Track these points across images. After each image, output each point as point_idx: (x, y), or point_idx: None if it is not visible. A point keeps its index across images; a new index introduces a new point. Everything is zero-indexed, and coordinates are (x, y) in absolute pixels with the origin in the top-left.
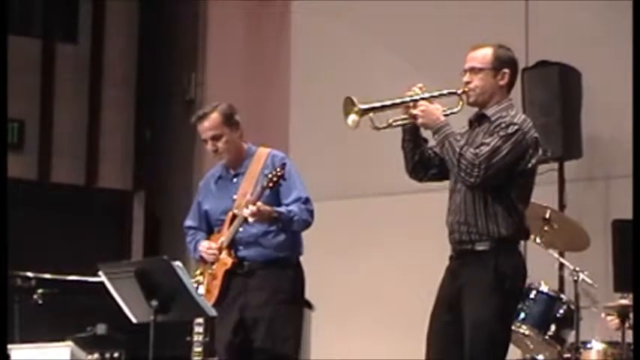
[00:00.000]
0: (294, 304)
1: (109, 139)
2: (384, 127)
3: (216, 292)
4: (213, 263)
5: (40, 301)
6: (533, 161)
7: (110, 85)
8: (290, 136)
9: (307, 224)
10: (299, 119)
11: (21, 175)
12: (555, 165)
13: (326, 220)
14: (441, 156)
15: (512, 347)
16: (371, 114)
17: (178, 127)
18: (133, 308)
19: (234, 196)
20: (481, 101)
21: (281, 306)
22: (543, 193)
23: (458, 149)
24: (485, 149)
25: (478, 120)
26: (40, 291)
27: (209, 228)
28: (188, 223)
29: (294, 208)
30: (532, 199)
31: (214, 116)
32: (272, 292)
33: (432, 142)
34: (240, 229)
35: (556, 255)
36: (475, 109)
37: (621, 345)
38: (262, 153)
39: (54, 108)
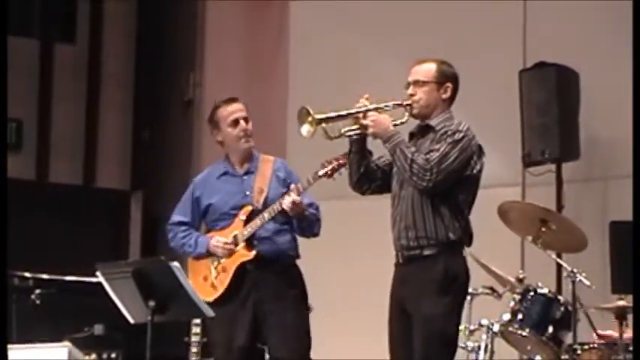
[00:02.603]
0: (304, 301)
1: (107, 140)
2: (337, 137)
3: (223, 287)
4: (220, 258)
5: (38, 301)
6: (478, 167)
7: (108, 85)
8: (288, 137)
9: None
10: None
11: (19, 175)
12: (553, 166)
13: (324, 220)
14: (383, 168)
15: (509, 348)
16: (324, 124)
17: (176, 128)
18: (130, 308)
19: (248, 192)
20: (424, 113)
21: (294, 302)
22: (541, 194)
23: (410, 155)
24: (435, 155)
25: (421, 131)
26: (37, 291)
27: (208, 222)
28: (178, 218)
29: (314, 211)
30: (530, 200)
31: (242, 102)
32: (285, 288)
33: (375, 156)
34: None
35: (554, 256)
36: (415, 123)
37: (619, 346)
38: (267, 157)
39: (52, 108)
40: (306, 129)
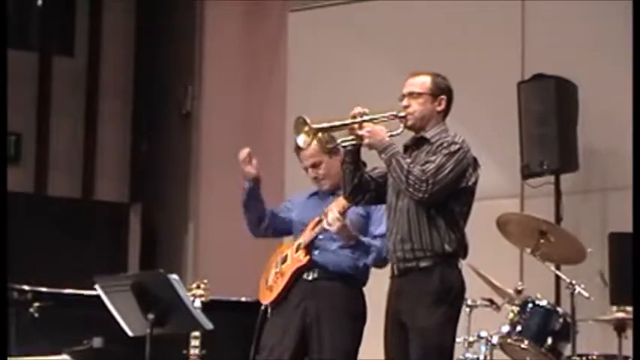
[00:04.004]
0: (357, 321)
1: (106, 152)
2: (333, 147)
3: (277, 291)
4: (284, 262)
5: (36, 315)
6: (473, 179)
7: (107, 97)
8: (287, 149)
9: (382, 262)
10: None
11: (18, 188)
12: (552, 178)
13: None
14: (377, 180)
15: None
16: (320, 134)
17: (175, 140)
18: (129, 321)
19: (325, 209)
20: (419, 126)
21: (346, 320)
22: (540, 206)
23: (406, 166)
24: (431, 166)
25: (416, 144)
26: (36, 304)
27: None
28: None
29: (378, 243)
30: (529, 212)
31: (313, 144)
32: (339, 305)
33: (369, 167)
34: (321, 236)
35: (552, 268)
36: (409, 135)
37: (618, 358)
38: None
39: (50, 121)
40: (302, 139)
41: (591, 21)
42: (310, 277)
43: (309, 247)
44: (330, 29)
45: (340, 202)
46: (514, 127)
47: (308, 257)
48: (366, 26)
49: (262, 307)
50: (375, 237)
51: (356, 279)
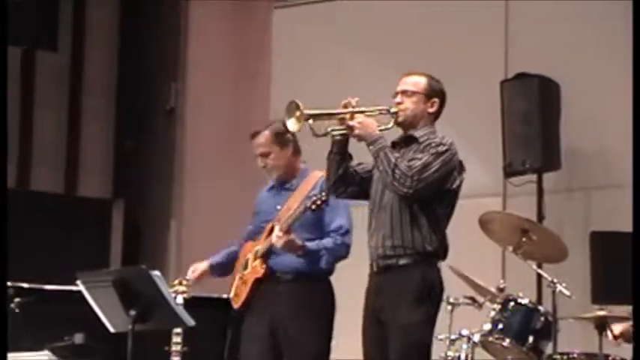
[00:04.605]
0: (323, 317)
1: (89, 148)
2: (323, 135)
3: (242, 299)
4: (245, 267)
5: (17, 310)
6: (458, 182)
7: (91, 93)
8: None
9: (337, 260)
10: None
11: None
12: (534, 176)
13: None
14: (362, 175)
15: (490, 358)
16: (311, 121)
17: (159, 136)
18: (111, 317)
19: (278, 207)
20: (409, 123)
21: (311, 319)
22: (522, 205)
23: (393, 160)
24: (417, 163)
25: (405, 141)
26: (17, 300)
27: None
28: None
29: (328, 243)
30: (511, 210)
31: (265, 134)
32: (301, 305)
33: (354, 162)
34: None
35: (534, 266)
36: (398, 133)
37: (599, 356)
38: (315, 175)
39: (34, 116)
40: (292, 123)
41: (575, 21)
42: (271, 283)
43: (266, 257)
44: (315, 26)
45: (290, 204)
46: (497, 126)
47: (264, 268)
48: (352, 24)
49: (232, 312)
50: (328, 233)
51: (316, 276)
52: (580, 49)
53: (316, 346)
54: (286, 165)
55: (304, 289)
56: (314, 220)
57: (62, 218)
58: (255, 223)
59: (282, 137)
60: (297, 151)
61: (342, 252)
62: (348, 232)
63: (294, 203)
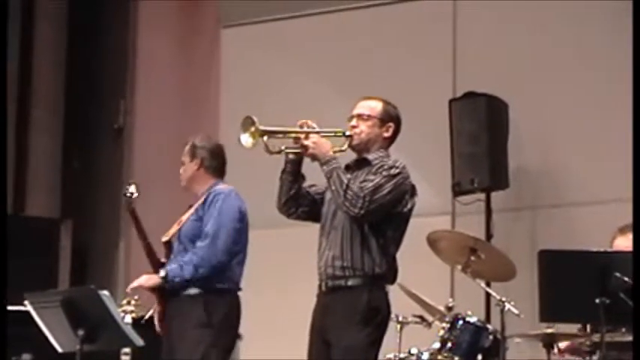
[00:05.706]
0: (203, 327)
1: (37, 166)
2: (277, 152)
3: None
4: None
5: None
6: (409, 206)
7: (38, 110)
8: None
9: (205, 265)
10: (228, 148)
11: None
12: (482, 195)
13: (256, 248)
14: (314, 197)
15: None
16: (265, 138)
17: (107, 155)
18: (59, 338)
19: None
20: (362, 147)
21: (189, 330)
22: (470, 223)
23: (345, 180)
24: (369, 184)
25: (358, 165)
26: None
27: None
28: None
29: (174, 267)
30: (459, 229)
31: (187, 146)
32: (185, 317)
33: (307, 183)
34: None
35: (483, 285)
36: (352, 157)
37: None
38: (218, 188)
39: None
40: (246, 138)
41: (522, 39)
42: (167, 294)
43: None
44: (263, 45)
45: (181, 218)
46: (445, 145)
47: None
48: (300, 43)
49: None
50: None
51: (204, 282)
52: (528, 68)
53: (196, 356)
54: (191, 178)
55: (187, 299)
56: (195, 230)
57: (10, 238)
58: None
59: (193, 149)
60: (209, 167)
61: (205, 256)
62: (209, 235)
63: (184, 217)
